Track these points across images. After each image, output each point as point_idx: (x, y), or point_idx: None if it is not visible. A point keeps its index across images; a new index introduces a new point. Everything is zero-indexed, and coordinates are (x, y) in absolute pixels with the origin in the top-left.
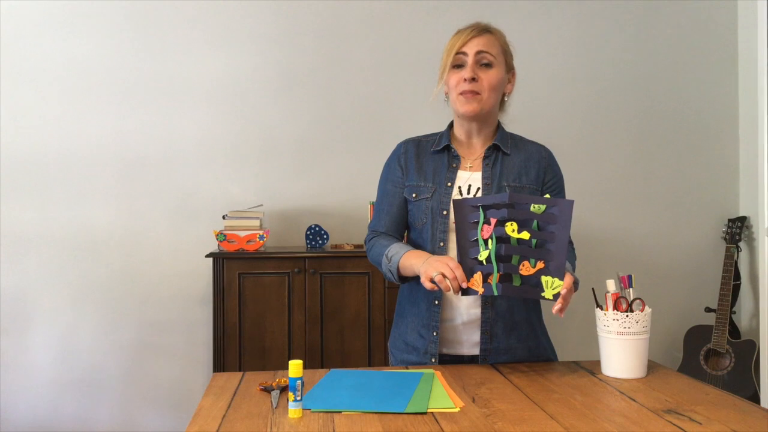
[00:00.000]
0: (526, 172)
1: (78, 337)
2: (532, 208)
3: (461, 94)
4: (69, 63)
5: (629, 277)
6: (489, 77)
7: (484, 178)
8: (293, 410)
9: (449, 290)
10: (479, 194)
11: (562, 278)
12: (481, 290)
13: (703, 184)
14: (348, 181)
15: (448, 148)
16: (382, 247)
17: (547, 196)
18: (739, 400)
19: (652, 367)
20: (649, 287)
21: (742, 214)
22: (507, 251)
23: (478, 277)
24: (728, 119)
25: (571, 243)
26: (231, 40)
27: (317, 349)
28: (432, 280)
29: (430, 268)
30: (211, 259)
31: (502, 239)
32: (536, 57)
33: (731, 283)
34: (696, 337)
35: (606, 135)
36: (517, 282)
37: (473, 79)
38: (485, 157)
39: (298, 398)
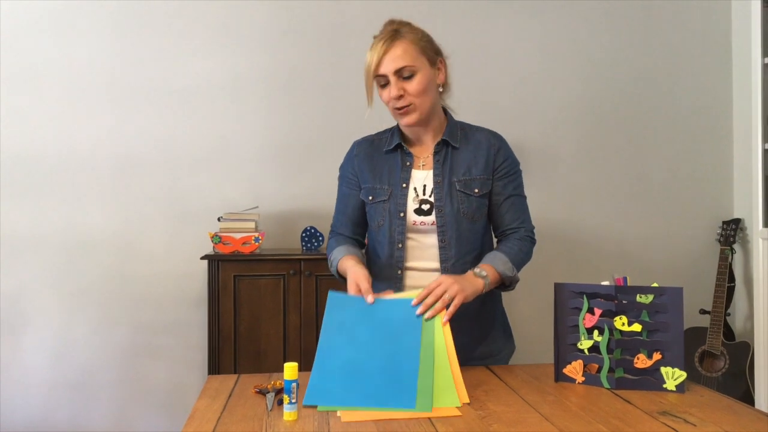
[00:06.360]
0: (475, 163)
1: (73, 339)
2: (638, 298)
3: (395, 109)
4: (65, 65)
5: (624, 278)
6: (415, 87)
7: (435, 176)
8: (288, 413)
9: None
10: (433, 196)
11: (682, 368)
12: (580, 379)
13: (697, 186)
14: None
15: (400, 146)
16: (330, 248)
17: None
18: (734, 402)
19: None
20: None
21: (736, 216)
22: (618, 345)
23: (577, 365)
24: (722, 121)
25: (531, 238)
26: (226, 42)
27: (312, 352)
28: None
29: (350, 280)
30: (206, 261)
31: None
32: (530, 58)
33: (726, 285)
34: (690, 338)
35: (600, 136)
36: (620, 373)
37: (401, 96)
38: (435, 153)
39: (293, 401)
